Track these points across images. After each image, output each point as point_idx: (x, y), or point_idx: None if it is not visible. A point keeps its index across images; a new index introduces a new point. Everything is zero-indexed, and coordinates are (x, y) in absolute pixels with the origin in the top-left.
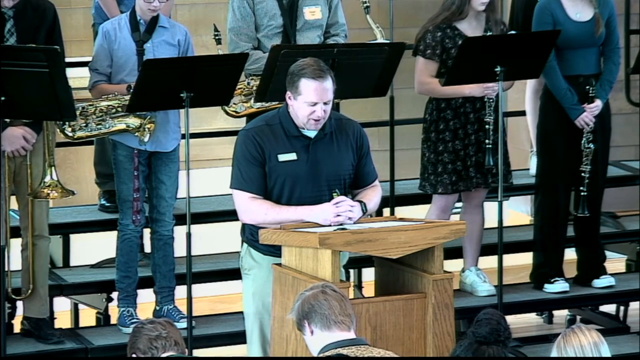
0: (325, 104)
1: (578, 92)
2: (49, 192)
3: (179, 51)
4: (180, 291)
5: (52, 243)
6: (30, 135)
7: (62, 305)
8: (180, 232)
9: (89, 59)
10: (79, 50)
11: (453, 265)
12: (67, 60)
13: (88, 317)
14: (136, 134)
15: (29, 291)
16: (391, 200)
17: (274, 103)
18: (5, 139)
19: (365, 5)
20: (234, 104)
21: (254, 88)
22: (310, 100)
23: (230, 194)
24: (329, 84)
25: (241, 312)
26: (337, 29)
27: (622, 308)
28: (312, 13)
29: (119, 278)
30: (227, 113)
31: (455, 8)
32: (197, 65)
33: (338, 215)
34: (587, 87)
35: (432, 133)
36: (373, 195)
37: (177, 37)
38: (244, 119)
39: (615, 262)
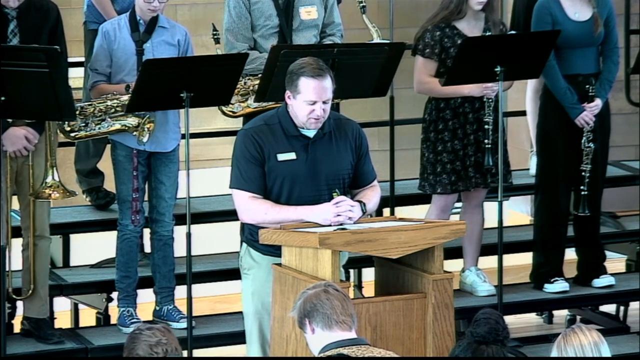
0: (324, 102)
1: (578, 91)
2: (50, 192)
3: (178, 51)
4: (180, 291)
5: (52, 243)
6: (32, 135)
7: (62, 305)
8: (180, 232)
9: (81, 59)
10: (79, 50)
11: (453, 265)
12: (68, 60)
13: (88, 317)
14: (134, 133)
15: (30, 291)
16: (391, 200)
17: (270, 103)
18: (7, 139)
19: (361, 5)
20: (231, 104)
21: (251, 88)
22: (309, 99)
23: (230, 194)
24: (328, 83)
25: (241, 312)
26: (333, 29)
27: (622, 308)
28: (308, 13)
29: (119, 278)
30: (223, 113)
31: (454, 7)
32: (197, 65)
33: (338, 215)
34: (587, 86)
35: (431, 133)
36: (372, 195)
37: (176, 37)
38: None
39: (615, 262)
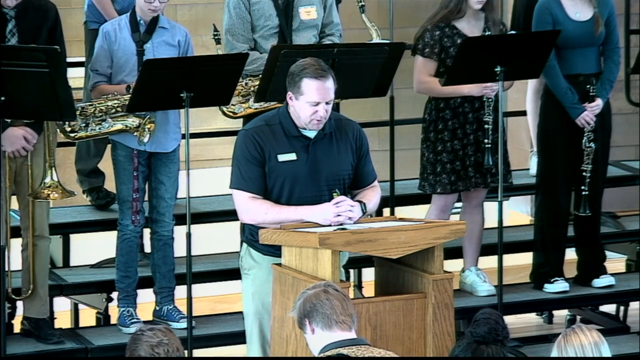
0: (327, 103)
1: (578, 91)
2: (49, 192)
3: (179, 52)
4: (180, 291)
5: (52, 243)
6: (31, 135)
7: (62, 305)
8: (180, 232)
9: (82, 59)
10: (79, 50)
11: (453, 265)
12: (68, 60)
13: (88, 317)
14: (135, 133)
15: (29, 291)
16: (391, 200)
17: (272, 103)
18: (6, 139)
19: (360, 4)
20: (232, 104)
21: (252, 88)
22: (312, 100)
23: (230, 194)
24: (330, 84)
25: (241, 312)
26: (332, 29)
27: (622, 308)
28: (307, 13)
29: (119, 278)
30: (224, 114)
31: (454, 6)
32: (197, 65)
33: (338, 215)
34: (588, 86)
35: (431, 133)
36: (373, 196)
37: (177, 37)
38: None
39: (615, 262)
